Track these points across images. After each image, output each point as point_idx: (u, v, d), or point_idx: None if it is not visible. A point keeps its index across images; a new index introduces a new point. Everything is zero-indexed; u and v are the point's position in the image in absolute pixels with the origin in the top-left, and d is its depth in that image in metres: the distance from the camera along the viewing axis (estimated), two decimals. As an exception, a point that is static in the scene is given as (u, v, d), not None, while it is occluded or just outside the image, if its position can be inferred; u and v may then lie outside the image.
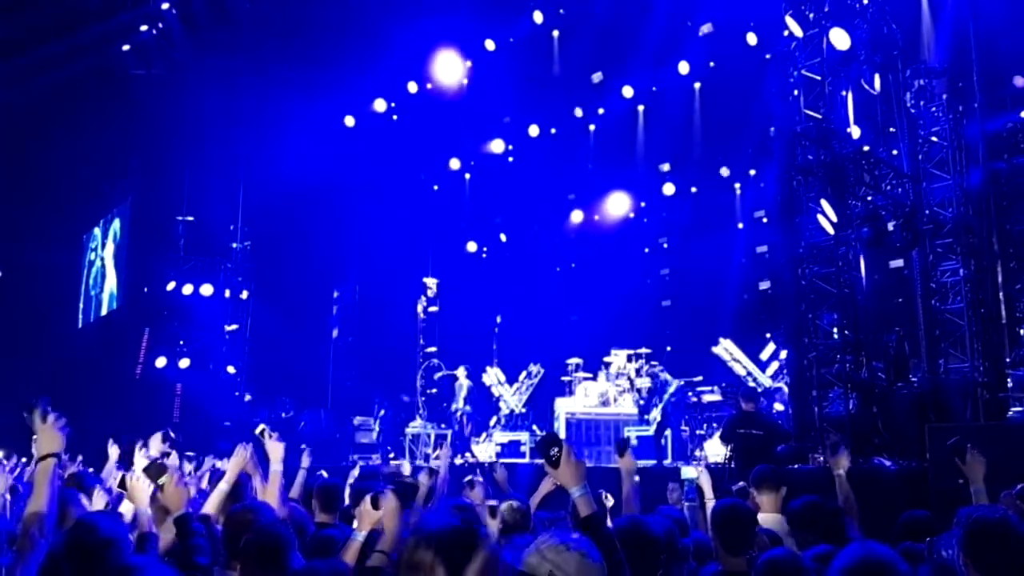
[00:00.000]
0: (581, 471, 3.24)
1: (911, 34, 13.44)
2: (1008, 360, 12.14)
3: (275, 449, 5.26)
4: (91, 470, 7.85)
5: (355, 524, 4.13)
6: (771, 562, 3.71)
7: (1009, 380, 11.40)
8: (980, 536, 3.21)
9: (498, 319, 21.59)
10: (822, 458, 10.54)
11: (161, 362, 21.07)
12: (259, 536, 3.70)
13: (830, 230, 10.86)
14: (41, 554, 3.30)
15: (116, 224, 23.96)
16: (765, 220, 20.25)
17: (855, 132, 12.11)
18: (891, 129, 13.67)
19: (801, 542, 4.62)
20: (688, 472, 6.46)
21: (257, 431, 5.36)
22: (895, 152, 13.46)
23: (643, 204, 22.68)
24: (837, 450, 5.81)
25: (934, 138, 13.18)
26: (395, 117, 21.73)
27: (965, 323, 12.48)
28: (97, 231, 25.11)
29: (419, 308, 21.07)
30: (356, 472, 9.82)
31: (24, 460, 9.45)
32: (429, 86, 20.86)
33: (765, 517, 5.30)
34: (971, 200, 12.90)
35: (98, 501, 5.14)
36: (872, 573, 2.81)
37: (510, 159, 23.15)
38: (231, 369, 21.74)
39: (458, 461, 14.93)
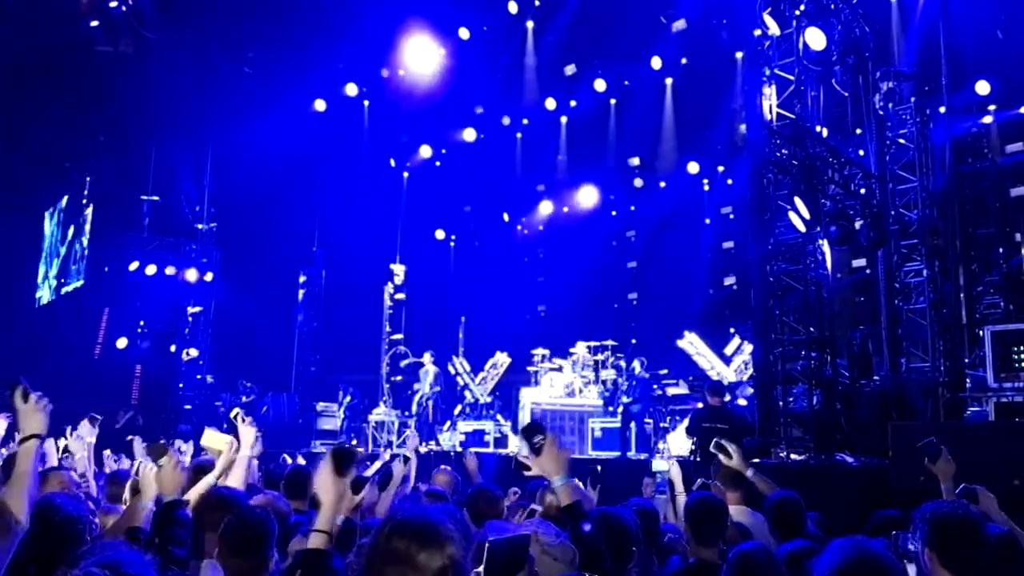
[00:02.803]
0: (564, 460, 3.25)
1: (882, 37, 13.61)
2: (967, 360, 12.36)
3: (248, 434, 5.09)
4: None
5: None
6: (744, 555, 3.76)
7: (968, 380, 11.58)
8: (944, 530, 3.26)
9: (464, 311, 21.62)
10: (783, 453, 10.70)
11: (122, 343, 20.81)
12: (241, 522, 3.59)
13: (802, 227, 10.97)
14: (16, 541, 3.12)
15: (79, 202, 23.59)
16: (732, 216, 20.44)
17: (824, 132, 12.24)
18: (858, 131, 13.86)
19: (779, 536, 4.70)
20: (658, 465, 6.50)
21: (232, 414, 5.26)
22: (861, 153, 13.65)
23: (612, 197, 22.77)
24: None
25: (901, 140, 13.34)
26: (366, 103, 21.65)
27: (928, 323, 12.67)
28: (59, 209, 24.73)
29: (386, 295, 21.03)
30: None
31: None
32: (401, 72, 20.76)
33: (730, 510, 5.36)
34: (936, 202, 13.10)
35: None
36: (868, 569, 2.82)
37: (481, 148, 23.14)
38: (193, 352, 21.53)
39: (423, 449, 14.94)
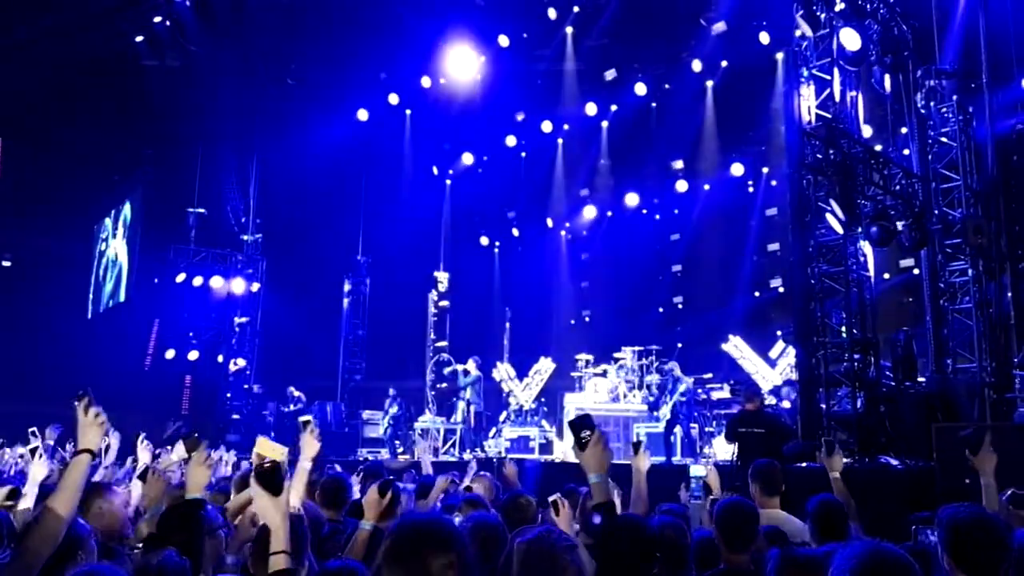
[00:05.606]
0: (606, 459, 3.31)
1: (922, 35, 13.43)
2: (1016, 360, 12.12)
3: (311, 445, 5.00)
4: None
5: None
6: (790, 559, 3.73)
7: (1016, 381, 11.37)
8: (958, 533, 3.21)
9: (508, 314, 21.65)
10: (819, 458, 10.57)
11: (170, 354, 21.18)
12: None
13: (839, 229, 10.89)
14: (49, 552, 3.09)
15: (127, 215, 24.06)
16: (776, 218, 20.25)
17: (866, 132, 12.12)
18: (902, 130, 13.69)
19: (820, 540, 4.68)
20: (697, 470, 6.42)
21: (302, 419, 5.21)
22: (906, 152, 13.48)
23: (656, 201, 22.69)
24: (832, 450, 5.79)
25: (944, 139, 13.16)
26: (408, 111, 21.83)
27: (973, 323, 12.46)
28: (108, 221, 25.22)
29: (430, 302, 21.17)
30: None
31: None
32: (442, 81, 20.92)
33: (765, 513, 5.35)
34: (980, 201, 12.90)
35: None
36: (882, 570, 2.79)
37: (523, 155, 23.20)
38: (241, 361, 21.82)
39: (468, 456, 15.00)
